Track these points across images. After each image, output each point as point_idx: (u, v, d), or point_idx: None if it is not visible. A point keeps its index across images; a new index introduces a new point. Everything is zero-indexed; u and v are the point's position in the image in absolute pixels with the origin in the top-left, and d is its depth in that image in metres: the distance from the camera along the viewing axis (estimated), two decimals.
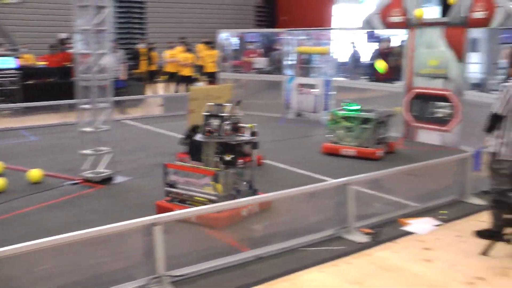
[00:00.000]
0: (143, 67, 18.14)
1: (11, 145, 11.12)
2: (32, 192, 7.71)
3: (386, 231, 6.13)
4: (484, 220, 6.17)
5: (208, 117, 6.60)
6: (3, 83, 15.07)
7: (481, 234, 5.94)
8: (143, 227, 4.78)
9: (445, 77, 10.61)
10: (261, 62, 15.46)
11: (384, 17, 11.64)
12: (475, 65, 11.53)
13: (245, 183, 6.66)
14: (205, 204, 6.00)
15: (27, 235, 5.72)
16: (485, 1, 9.83)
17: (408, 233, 6.09)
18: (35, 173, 8.17)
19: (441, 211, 6.80)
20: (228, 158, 6.45)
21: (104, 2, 8.13)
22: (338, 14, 28.81)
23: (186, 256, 5.23)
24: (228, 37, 16.60)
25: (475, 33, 10.74)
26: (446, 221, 6.49)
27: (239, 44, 17.23)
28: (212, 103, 6.86)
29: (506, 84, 5.76)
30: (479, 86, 10.87)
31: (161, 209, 6.35)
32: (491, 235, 5.71)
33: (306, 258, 5.41)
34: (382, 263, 5.34)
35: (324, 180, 7.89)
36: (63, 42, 19.33)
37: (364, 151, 9.61)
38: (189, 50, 17.88)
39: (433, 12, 11.33)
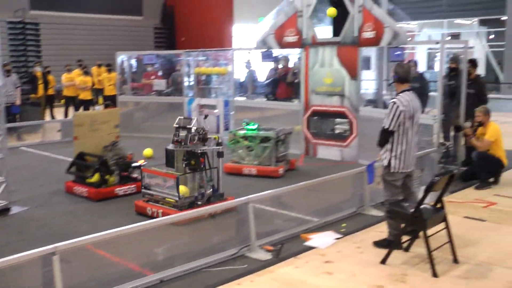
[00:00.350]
0: (40, 91, 17.47)
1: None
2: None
3: (288, 247, 6.23)
4: (382, 230, 6.42)
5: (177, 128, 7.73)
6: None
7: (379, 244, 6.17)
8: (40, 257, 4.60)
9: (340, 94, 10.98)
10: (160, 84, 15.34)
11: (279, 37, 11.91)
12: (368, 82, 12.03)
13: (209, 187, 7.62)
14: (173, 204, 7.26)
15: None
16: (373, 21, 10.31)
17: (310, 248, 6.21)
18: None
19: (342, 225, 7.00)
20: (193, 164, 7.50)
21: None
22: (238, 34, 29.24)
23: (87, 284, 5.06)
24: (127, 59, 16.37)
25: (367, 51, 11.21)
26: (346, 233, 6.68)
27: (138, 66, 17.06)
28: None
29: (395, 100, 6.06)
30: (373, 102, 11.34)
31: (139, 208, 7.61)
32: (388, 244, 5.95)
33: (209, 279, 5.41)
34: (284, 279, 5.41)
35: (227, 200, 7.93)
36: None
37: (265, 169, 9.75)
38: (86, 73, 17.46)
39: (325, 31, 11.74)
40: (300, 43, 11.58)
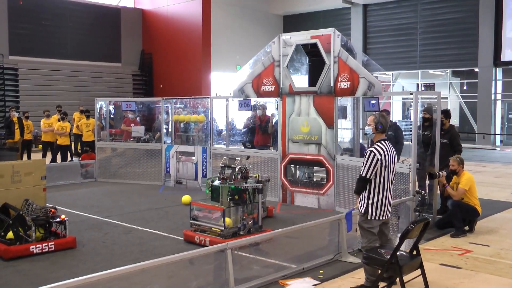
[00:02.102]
0: (17, 136, 17.42)
1: None
2: None
3: None
4: (359, 276, 6.46)
5: (222, 167, 9.15)
6: None
7: None
8: None
9: (317, 143, 11.15)
10: (139, 130, 15.40)
11: (256, 86, 12.12)
12: (345, 131, 12.23)
13: (250, 220, 8.45)
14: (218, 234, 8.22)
15: None
16: (349, 71, 10.57)
17: None
18: None
19: (320, 271, 7.02)
20: (236, 198, 8.66)
21: None
22: (216, 82, 29.57)
23: None
24: (105, 106, 16.45)
25: (344, 101, 11.45)
26: (324, 280, 6.71)
27: (116, 113, 17.12)
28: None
29: (372, 148, 6.22)
30: (349, 150, 11.51)
31: (187, 237, 8.54)
32: None
33: None
34: None
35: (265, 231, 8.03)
36: None
37: None
38: (63, 118, 17.47)
39: (302, 81, 11.98)
40: (277, 92, 11.79)
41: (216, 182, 8.94)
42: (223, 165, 9.14)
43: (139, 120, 16.35)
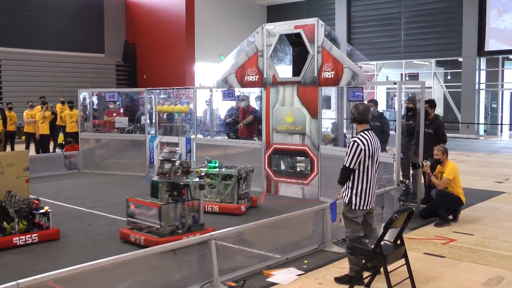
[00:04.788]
0: (0, 127, 17.23)
1: None
2: None
3: (251, 283, 6.22)
4: (343, 266, 6.47)
5: (162, 161, 8.29)
6: None
7: (341, 280, 6.23)
8: None
9: (301, 133, 11.13)
10: (122, 121, 15.28)
11: (240, 76, 12.07)
12: (329, 121, 12.23)
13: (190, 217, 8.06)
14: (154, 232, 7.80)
15: None
16: (332, 61, 10.55)
17: (272, 284, 6.22)
18: None
19: (304, 261, 7.02)
20: (175, 194, 7.93)
21: None
22: (200, 72, 29.43)
23: None
24: (88, 96, 16.31)
25: (328, 91, 11.44)
26: (308, 270, 6.70)
27: (100, 103, 16.98)
28: None
29: (355, 138, 6.21)
30: (333, 140, 11.49)
31: (123, 235, 8.13)
32: (350, 280, 6.01)
33: None
34: None
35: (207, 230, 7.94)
36: None
37: (227, 206, 9.76)
38: (48, 109, 17.30)
39: (286, 71, 11.95)
40: (261, 82, 11.74)
41: (155, 177, 8.24)
42: (162, 158, 8.39)
43: (122, 111, 16.24)
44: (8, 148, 17.63)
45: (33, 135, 17.40)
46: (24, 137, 18.10)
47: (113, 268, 5.74)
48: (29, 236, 8.02)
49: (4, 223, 8.00)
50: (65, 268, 5.43)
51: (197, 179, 8.34)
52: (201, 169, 9.94)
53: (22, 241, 7.93)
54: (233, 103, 13.82)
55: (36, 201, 8.44)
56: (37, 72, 26.27)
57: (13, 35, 25.87)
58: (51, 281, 5.32)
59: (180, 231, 7.83)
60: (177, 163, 8.22)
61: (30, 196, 8.76)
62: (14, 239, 7.88)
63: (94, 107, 16.74)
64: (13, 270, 6.95)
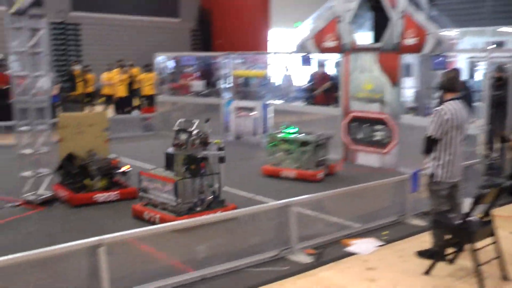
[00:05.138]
0: (79, 89, 17.75)
1: None
2: None
3: (329, 251, 6.15)
4: (425, 240, 6.28)
5: (177, 131, 7.45)
6: None
7: (423, 254, 6.04)
8: (87, 248, 4.71)
9: (380, 101, 10.84)
10: (198, 85, 15.39)
11: (318, 42, 11.83)
12: (410, 90, 11.86)
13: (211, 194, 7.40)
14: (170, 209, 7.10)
15: None
16: (415, 28, 10.15)
17: (351, 254, 6.13)
18: None
19: (383, 232, 6.88)
20: (192, 168, 7.21)
21: (39, 25, 7.95)
22: (274, 38, 29.21)
23: (130, 277, 5.07)
24: (165, 60, 16.49)
25: (409, 58, 11.06)
26: (388, 241, 6.56)
27: (176, 67, 17.15)
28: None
29: (439, 108, 5.92)
30: (414, 109, 11.15)
31: (136, 212, 7.48)
32: (432, 255, 5.81)
33: (250, 279, 5.40)
34: (326, 283, 5.35)
35: (265, 202, 7.88)
36: None
37: (304, 173, 9.67)
38: (125, 72, 17.62)
39: (366, 37, 11.62)
40: (340, 49, 11.48)
41: (170, 149, 7.54)
42: (177, 128, 7.55)
43: (198, 75, 16.35)
44: (87, 109, 18.11)
45: (111, 97, 17.78)
46: (102, 98, 18.55)
47: (192, 229, 5.81)
48: (109, 193, 8.28)
49: (86, 180, 8.27)
50: (146, 226, 5.56)
51: (217, 151, 7.47)
52: (277, 134, 9.81)
53: (102, 198, 8.21)
54: (312, 70, 13.62)
55: (115, 160, 8.66)
56: (115, 36, 26.75)
57: (92, 0, 26.38)
58: (134, 238, 5.46)
59: (198, 209, 7.19)
60: (194, 133, 7.34)
61: (109, 155, 8.98)
62: (95, 196, 8.17)
63: (171, 70, 16.92)
64: (95, 225, 7.18)
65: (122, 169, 8.55)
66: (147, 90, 17.46)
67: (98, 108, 18.41)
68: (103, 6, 26.66)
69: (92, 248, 4.68)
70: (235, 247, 6.03)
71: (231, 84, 14.59)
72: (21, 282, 4.79)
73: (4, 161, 10.90)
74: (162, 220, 6.84)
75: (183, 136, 7.32)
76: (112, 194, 8.28)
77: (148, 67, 17.94)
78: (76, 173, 8.25)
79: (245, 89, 14.40)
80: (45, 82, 8.25)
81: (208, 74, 16.45)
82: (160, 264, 5.73)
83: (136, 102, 18.85)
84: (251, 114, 13.67)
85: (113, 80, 17.42)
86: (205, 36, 30.86)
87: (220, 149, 7.45)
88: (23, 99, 8.00)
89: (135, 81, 18.20)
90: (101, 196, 8.19)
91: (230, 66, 14.60)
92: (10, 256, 4.37)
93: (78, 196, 8.04)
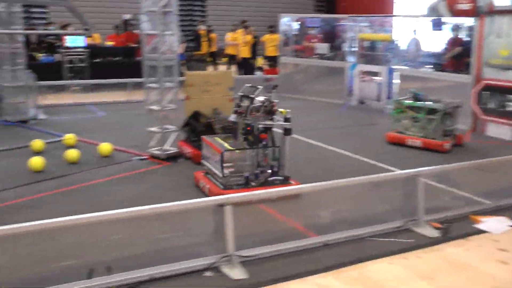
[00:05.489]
0: (204, 48, 18.26)
1: (81, 119, 11.66)
2: (102, 165, 8.07)
3: (457, 227, 5.92)
4: None
5: (241, 97, 6.81)
6: (73, 61, 15.66)
7: None
8: (213, 206, 4.87)
9: None
10: (323, 47, 15.24)
11: (451, 4, 11.25)
12: None
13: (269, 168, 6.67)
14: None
15: (97, 206, 6.00)
16: None
17: (481, 231, 5.84)
18: (105, 147, 8.49)
19: None
20: (250, 139, 6.57)
21: None
22: (400, 0, 28.15)
23: (254, 237, 5.20)
24: (289, 22, 16.45)
25: None
26: None
27: (300, 29, 17.07)
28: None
29: None
30: None
31: (196, 180, 7.10)
32: None
33: (374, 248, 5.31)
34: (454, 260, 5.15)
35: (389, 170, 7.76)
36: (127, 22, 19.62)
37: (431, 142, 9.34)
38: (249, 33, 17.81)
39: None
40: (475, 11, 10.85)
41: (232, 116, 6.84)
42: (241, 94, 6.86)
43: (322, 38, 16.18)
44: (210, 68, 18.58)
45: (234, 57, 18.07)
46: (226, 58, 18.93)
47: (319, 192, 5.83)
48: None
49: None
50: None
51: (282, 121, 6.63)
52: (405, 101, 9.49)
53: None
54: (443, 34, 13.01)
55: None
56: None
57: None
58: (258, 199, 5.58)
59: (253, 183, 6.50)
60: (258, 100, 6.63)
61: None
62: None
63: (295, 32, 16.86)
64: None
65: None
66: (270, 51, 17.59)
67: (221, 68, 18.84)
68: None
69: (218, 206, 4.82)
70: (359, 214, 5.98)
71: (356, 48, 14.32)
72: (145, 232, 5.06)
73: (132, 116, 11.53)
74: (211, 192, 6.46)
75: (245, 103, 6.68)
76: None
77: (272, 28, 18.03)
78: (201, 130, 8.39)
79: (370, 53, 14.09)
80: (174, 41, 8.51)
81: (332, 37, 16.22)
82: (282, 227, 5.80)
83: (258, 62, 19.10)
84: (375, 78, 13.38)
85: (237, 41, 17.67)
86: None
87: (286, 119, 6.59)
88: (152, 57, 8.31)
89: (258, 42, 18.40)
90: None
91: (356, 29, 14.31)
92: (138, 208, 4.60)
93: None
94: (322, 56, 15.18)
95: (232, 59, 18.22)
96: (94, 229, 4.74)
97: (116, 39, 18.14)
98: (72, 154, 8.14)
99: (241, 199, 5.12)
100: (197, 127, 8.61)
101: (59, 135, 9.65)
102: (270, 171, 6.64)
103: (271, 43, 17.62)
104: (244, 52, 17.70)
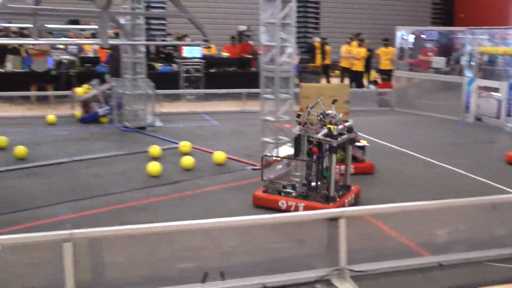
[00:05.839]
0: (318, 60, 18.35)
1: (195, 127, 12.04)
2: (216, 173, 8.30)
3: None
4: None
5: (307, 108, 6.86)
6: (189, 71, 16.23)
7: None
8: (327, 218, 4.88)
9: None
10: (439, 61, 14.83)
11: None
12: None
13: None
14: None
15: (210, 212, 6.24)
16: None
17: None
18: (219, 156, 8.75)
19: None
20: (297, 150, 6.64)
21: None
22: None
23: (366, 252, 5.16)
24: (404, 35, 16.15)
25: None
26: None
27: (415, 42, 16.71)
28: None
29: None
30: None
31: (260, 201, 6.74)
32: None
33: (492, 274, 5.07)
34: None
35: (508, 192, 7.41)
36: (242, 34, 20.13)
37: None
38: (361, 45, 17.68)
39: None
40: None
41: (296, 128, 6.77)
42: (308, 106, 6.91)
43: (438, 51, 15.74)
44: (323, 81, 18.59)
45: (348, 69, 17.97)
46: (338, 71, 18.90)
47: (431, 211, 5.68)
48: (343, 167, 8.34)
49: None
50: (381, 204, 5.57)
51: (342, 135, 6.60)
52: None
53: (338, 171, 8.31)
54: None
55: (353, 134, 8.74)
56: (354, 9, 26.88)
57: None
58: (371, 214, 5.54)
59: (294, 194, 6.61)
60: (318, 112, 6.65)
61: None
62: None
63: (410, 45, 16.53)
64: None
65: (360, 143, 8.61)
66: (384, 64, 17.37)
67: (334, 80, 18.82)
68: None
69: (333, 219, 4.83)
70: (475, 236, 5.76)
71: (474, 62, 13.80)
72: (258, 240, 5.15)
73: (245, 126, 11.79)
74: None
75: (303, 115, 6.78)
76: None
77: (386, 41, 17.80)
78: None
79: (489, 67, 13.51)
80: (291, 53, 8.63)
81: (449, 50, 15.72)
82: (394, 243, 5.70)
83: (371, 76, 18.90)
84: (494, 94, 12.82)
85: (352, 54, 17.59)
86: (448, 9, 29.56)
87: (331, 135, 6.41)
88: (269, 68, 8.46)
89: (372, 55, 18.21)
90: (338, 169, 8.34)
91: (474, 42, 13.80)
92: (249, 217, 4.73)
93: None
94: (438, 70, 14.76)
95: (345, 72, 18.14)
96: (208, 234, 4.90)
97: (232, 50, 18.64)
98: (188, 161, 8.44)
99: (356, 213, 5.11)
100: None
101: (175, 142, 10.04)
102: (306, 185, 6.61)
103: (385, 56, 17.40)
104: (358, 65, 17.58)
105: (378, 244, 5.58)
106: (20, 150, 8.92)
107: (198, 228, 4.64)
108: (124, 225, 4.50)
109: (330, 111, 6.69)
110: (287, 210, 6.39)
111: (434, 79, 14.73)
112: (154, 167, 8.07)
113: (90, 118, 12.23)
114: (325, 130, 6.44)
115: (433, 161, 9.32)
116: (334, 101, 6.96)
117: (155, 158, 8.88)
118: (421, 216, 6.01)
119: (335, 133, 6.41)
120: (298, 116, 6.81)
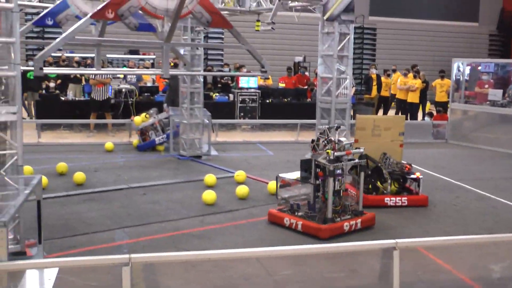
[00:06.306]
0: (374, 92, 18.34)
1: (250, 157, 12.18)
2: (270, 202, 8.33)
3: None
4: None
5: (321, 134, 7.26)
6: (245, 100, 16.42)
7: None
8: (381, 250, 4.87)
9: None
10: (495, 93, 14.61)
11: None
12: None
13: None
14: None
15: (265, 241, 6.38)
16: None
17: None
18: (274, 186, 8.81)
19: None
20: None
21: (348, 30, 8.47)
22: None
23: (419, 284, 5.15)
24: (461, 67, 16.00)
25: None
26: None
27: (472, 74, 16.52)
28: None
29: None
30: None
31: (271, 217, 7.40)
32: None
33: None
34: None
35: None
36: (298, 65, 20.32)
37: None
38: (416, 77, 17.61)
39: None
40: None
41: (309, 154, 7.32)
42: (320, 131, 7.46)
43: (494, 83, 15.51)
44: (380, 112, 18.53)
45: (404, 101, 17.86)
46: (393, 103, 18.83)
47: (483, 246, 5.63)
48: (400, 198, 8.40)
49: (378, 182, 8.54)
50: (435, 237, 5.55)
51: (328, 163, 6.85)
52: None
53: (392, 202, 8.36)
54: None
55: (408, 166, 8.75)
56: (409, 40, 26.85)
57: (389, 5, 26.76)
58: (422, 247, 5.52)
59: (299, 213, 7.18)
60: (327, 137, 7.06)
61: (402, 160, 9.11)
62: (386, 199, 8.37)
63: (466, 78, 16.35)
64: (383, 228, 7.36)
65: (414, 175, 8.60)
66: (440, 96, 17.24)
67: (389, 112, 18.74)
68: (400, 10, 26.95)
69: (387, 250, 4.84)
70: None
71: None
72: (312, 270, 5.20)
73: (300, 156, 11.59)
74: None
75: (315, 140, 7.21)
76: (402, 199, 8.40)
77: (442, 73, 17.68)
78: (369, 174, 8.52)
79: None
80: (348, 85, 8.75)
81: (506, 83, 15.47)
82: (447, 277, 5.67)
83: (427, 108, 18.74)
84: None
85: (408, 85, 17.52)
86: (505, 41, 29.15)
87: (330, 160, 6.84)
88: (326, 99, 8.59)
89: (428, 87, 18.09)
90: (391, 200, 8.37)
91: None
92: (304, 246, 4.77)
93: (370, 197, 8.29)
94: (494, 103, 14.55)
95: (401, 103, 18.05)
96: (262, 263, 4.99)
97: (287, 80, 18.80)
98: (243, 190, 8.59)
99: (411, 245, 5.11)
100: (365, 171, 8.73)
101: (230, 171, 10.23)
102: (308, 205, 7.10)
103: (441, 88, 17.29)
104: (413, 97, 17.50)
105: (431, 277, 5.56)
106: (79, 176, 9.24)
107: (252, 256, 4.73)
108: (179, 251, 4.63)
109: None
110: (290, 227, 7.02)
111: (490, 111, 14.52)
112: (209, 195, 8.25)
113: (147, 146, 12.56)
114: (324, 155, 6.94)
115: (489, 195, 9.20)
116: (337, 127, 7.42)
117: (210, 187, 9.07)
118: (476, 250, 5.95)
119: (331, 157, 6.83)
120: (312, 141, 7.19)
